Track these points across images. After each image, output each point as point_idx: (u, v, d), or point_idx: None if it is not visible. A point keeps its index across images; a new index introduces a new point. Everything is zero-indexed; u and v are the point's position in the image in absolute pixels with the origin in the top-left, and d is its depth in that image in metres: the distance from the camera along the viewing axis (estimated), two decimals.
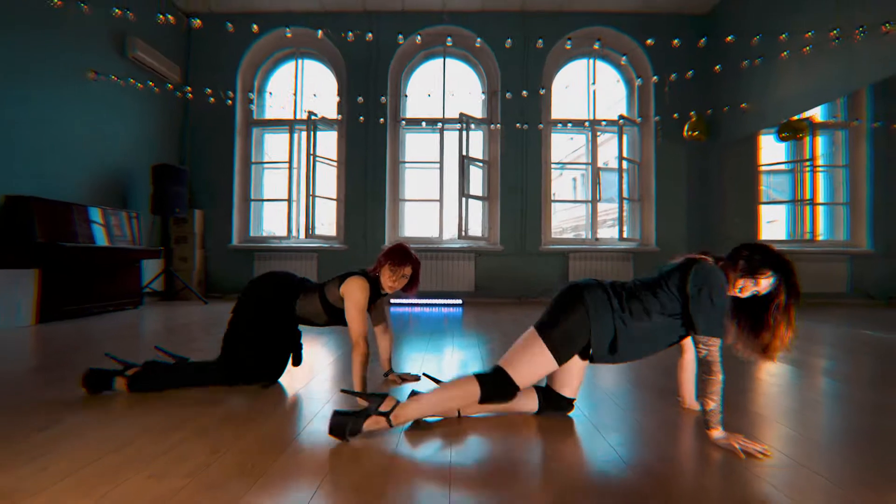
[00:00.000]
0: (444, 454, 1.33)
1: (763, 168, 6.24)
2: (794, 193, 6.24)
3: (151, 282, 5.19)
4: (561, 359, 1.47)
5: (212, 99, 5.67)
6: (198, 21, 4.58)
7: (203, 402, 1.76)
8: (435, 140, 6.26)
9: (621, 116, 6.13)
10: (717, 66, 5.32)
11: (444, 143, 6.14)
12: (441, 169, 6.12)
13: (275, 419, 1.60)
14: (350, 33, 4.66)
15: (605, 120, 6.30)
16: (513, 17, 6.05)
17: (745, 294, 1.46)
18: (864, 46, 3.93)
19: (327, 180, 6.18)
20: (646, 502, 1.08)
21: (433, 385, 1.87)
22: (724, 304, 1.41)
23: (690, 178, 6.12)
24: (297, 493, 1.09)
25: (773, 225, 6.70)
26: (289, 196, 6.14)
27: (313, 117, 5.91)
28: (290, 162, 6.16)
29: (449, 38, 5.41)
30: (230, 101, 5.90)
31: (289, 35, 5.34)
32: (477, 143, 6.29)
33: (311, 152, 5.87)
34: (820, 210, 6.34)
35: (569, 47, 5.48)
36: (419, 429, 1.52)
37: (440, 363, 2.51)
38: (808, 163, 6.11)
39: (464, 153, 5.84)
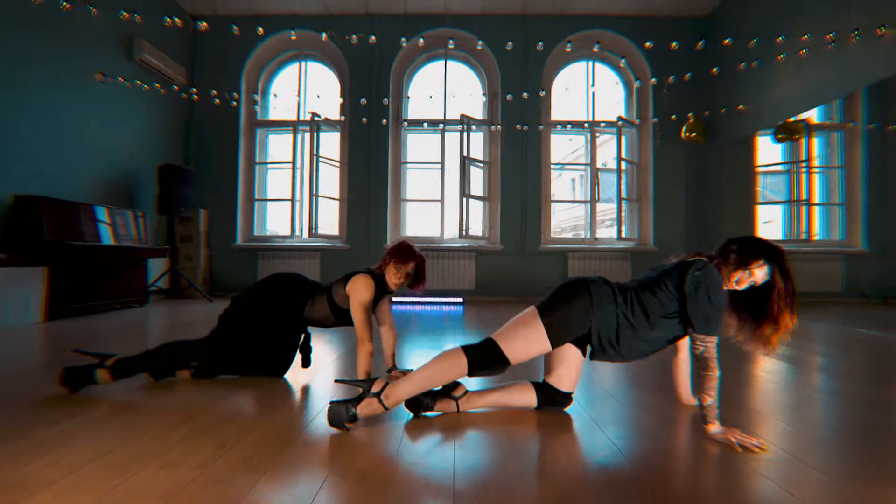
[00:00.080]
0: (445, 447, 1.34)
1: (760, 169, 6.24)
2: (790, 194, 6.24)
3: (157, 280, 5.20)
4: (555, 342, 1.46)
5: (217, 100, 5.68)
6: (204, 24, 4.60)
7: (209, 397, 1.77)
8: (436, 141, 6.27)
9: (620, 118, 6.13)
10: (715, 69, 5.33)
11: (445, 144, 6.16)
12: (442, 169, 6.14)
13: (281, 414, 1.61)
14: (354, 36, 4.67)
15: (604, 121, 6.31)
16: (513, 19, 6.05)
17: (743, 286, 1.47)
18: (860, 49, 3.93)
19: (330, 180, 6.19)
20: (645, 495, 1.09)
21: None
22: (721, 303, 1.42)
23: (688, 178, 6.13)
24: (304, 484, 1.10)
25: (769, 225, 6.71)
26: (292, 196, 6.15)
27: (316, 118, 5.92)
28: (294, 162, 6.17)
29: (451, 41, 5.42)
30: (235, 103, 5.92)
31: (294, 38, 5.35)
32: (478, 144, 6.30)
33: (315, 153, 5.89)
34: (816, 210, 6.35)
35: (569, 50, 5.48)
36: (420, 423, 1.53)
37: None
38: (804, 164, 6.12)
39: (465, 154, 5.85)
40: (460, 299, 5.80)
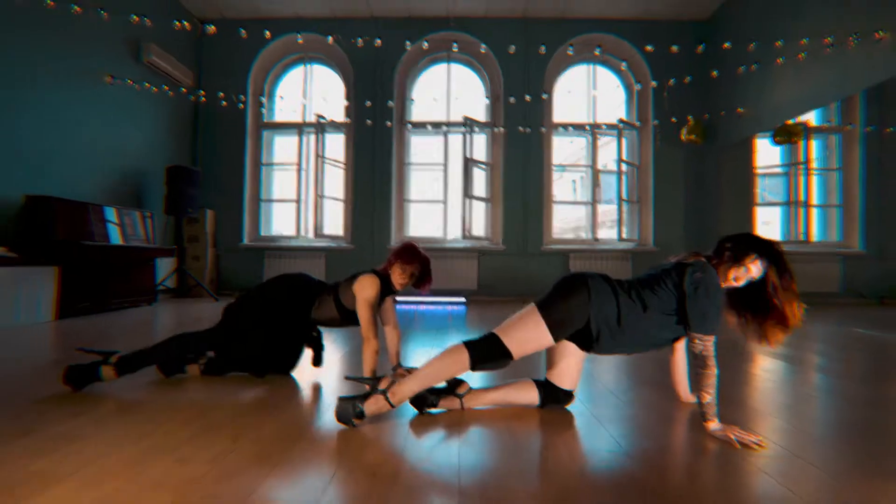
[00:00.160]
0: (450, 443, 1.36)
1: (759, 171, 6.25)
2: (788, 196, 6.25)
3: (165, 279, 5.23)
4: (557, 336, 1.47)
5: (224, 102, 5.71)
6: (212, 27, 4.62)
7: (218, 394, 1.79)
8: (440, 143, 6.29)
9: (621, 120, 6.14)
10: (715, 72, 5.33)
11: (448, 145, 6.17)
12: (445, 171, 6.16)
13: (289, 411, 1.63)
14: (360, 39, 4.68)
15: (605, 124, 6.32)
16: (515, 23, 6.07)
17: (741, 283, 1.48)
18: (858, 52, 3.94)
19: (335, 182, 6.21)
20: (645, 491, 1.10)
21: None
22: (718, 302, 1.43)
23: (688, 180, 6.13)
24: (314, 479, 1.11)
25: (767, 226, 6.71)
26: (297, 197, 6.18)
27: (321, 120, 5.94)
28: (299, 164, 6.20)
29: (455, 44, 5.43)
30: (241, 105, 5.94)
31: (300, 41, 5.37)
32: (480, 146, 6.31)
33: (320, 154, 5.91)
34: (814, 212, 6.35)
35: (570, 54, 5.49)
36: (425, 419, 1.54)
37: None
38: (802, 166, 6.12)
39: (468, 155, 5.87)
40: (463, 299, 5.82)
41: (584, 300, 1.48)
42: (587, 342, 1.55)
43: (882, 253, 5.94)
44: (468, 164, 5.86)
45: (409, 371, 2.14)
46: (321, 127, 5.95)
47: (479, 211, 6.25)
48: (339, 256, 6.02)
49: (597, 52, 5.77)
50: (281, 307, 2.00)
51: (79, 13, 3.88)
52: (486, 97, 6.35)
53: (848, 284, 5.95)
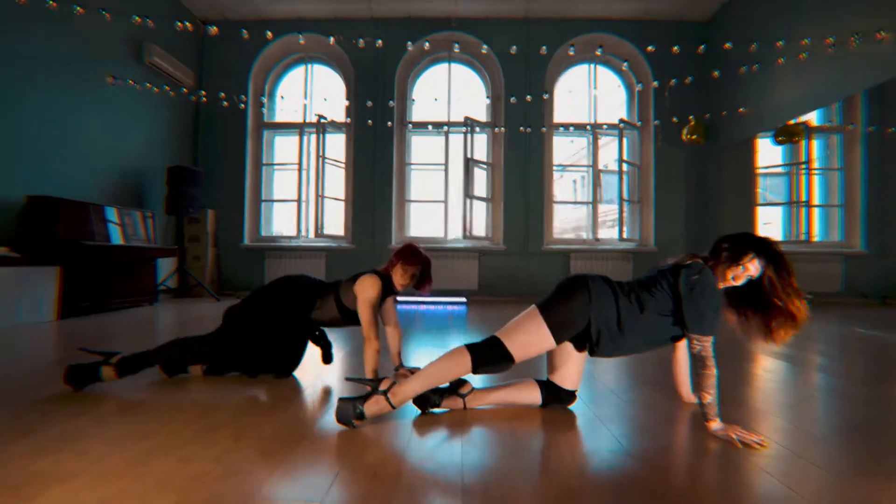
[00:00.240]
0: (453, 443, 1.36)
1: (760, 171, 6.25)
2: (790, 195, 6.25)
3: (166, 279, 5.24)
4: (559, 338, 1.48)
5: (225, 103, 5.71)
6: (214, 28, 4.62)
7: (220, 394, 1.80)
8: (440, 143, 6.30)
9: (622, 120, 6.14)
10: (716, 72, 5.33)
11: (449, 145, 6.18)
12: (446, 171, 6.16)
13: (291, 410, 1.63)
14: (361, 40, 4.68)
15: (606, 124, 6.32)
16: (516, 23, 6.07)
17: (740, 281, 1.48)
18: (860, 53, 3.94)
19: (335, 182, 6.22)
20: (647, 491, 1.10)
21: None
22: (715, 303, 1.43)
23: (689, 180, 6.13)
24: (317, 479, 1.12)
25: (769, 227, 6.71)
26: (298, 197, 6.18)
27: (322, 120, 5.95)
28: (300, 164, 6.20)
29: (456, 45, 5.44)
30: (243, 105, 5.95)
31: (302, 42, 5.38)
32: (481, 146, 6.32)
33: (320, 154, 5.92)
34: (816, 212, 6.35)
35: (571, 53, 5.49)
36: (428, 419, 1.55)
37: None
38: (804, 166, 6.12)
39: (468, 155, 5.87)
40: (463, 299, 5.82)
41: (584, 302, 1.48)
42: (587, 345, 1.56)
43: (884, 252, 5.93)
44: (469, 163, 5.87)
45: (411, 371, 2.15)
46: (322, 127, 5.96)
47: (480, 211, 6.26)
48: (339, 256, 6.03)
49: (598, 53, 5.76)
50: (280, 309, 2.01)
51: (81, 14, 3.89)
52: (487, 97, 6.36)
53: (850, 284, 5.94)
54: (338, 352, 2.65)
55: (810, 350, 2.86)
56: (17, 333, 3.06)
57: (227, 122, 6.07)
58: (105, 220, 4.24)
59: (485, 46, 5.70)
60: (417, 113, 6.44)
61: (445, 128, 6.24)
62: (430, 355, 2.60)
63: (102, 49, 4.56)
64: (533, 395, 1.65)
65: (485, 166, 6.22)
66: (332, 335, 3.11)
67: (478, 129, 6.18)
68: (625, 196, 6.14)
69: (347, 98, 6.19)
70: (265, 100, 6.33)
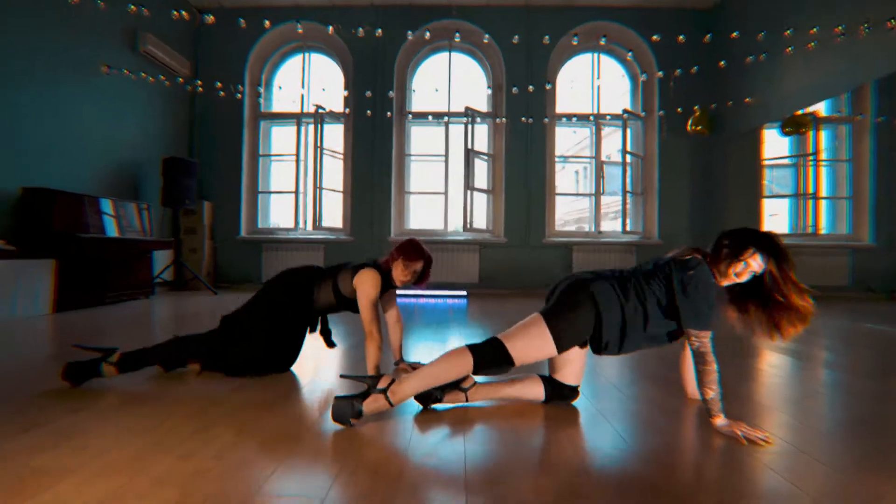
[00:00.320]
0: (455, 440, 1.37)
1: (766, 162, 6.23)
2: (797, 187, 6.23)
3: (162, 272, 5.24)
4: (562, 347, 1.49)
5: (222, 93, 5.68)
6: (211, 17, 4.58)
7: (219, 390, 1.81)
8: (440, 133, 6.27)
9: (625, 110, 6.12)
10: (722, 62, 5.29)
11: (449, 136, 6.15)
12: (446, 162, 6.14)
13: (291, 406, 1.65)
14: (360, 29, 4.64)
15: (609, 114, 6.30)
16: (518, 11, 6.02)
17: (744, 278, 1.48)
18: (870, 42, 3.91)
19: (334, 173, 6.20)
20: (651, 487, 1.11)
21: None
22: (711, 299, 1.44)
23: (693, 171, 6.12)
24: (319, 475, 1.13)
25: (774, 219, 6.70)
26: (296, 188, 6.17)
27: (320, 110, 5.92)
28: (297, 155, 6.19)
29: (457, 34, 5.39)
30: (239, 95, 5.92)
31: (300, 31, 5.34)
32: (482, 137, 6.30)
33: (318, 145, 5.90)
34: (823, 204, 6.34)
35: (575, 43, 5.45)
36: (429, 417, 1.56)
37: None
38: (811, 157, 6.10)
39: (469, 146, 5.85)
40: (464, 292, 5.83)
41: (590, 314, 1.49)
42: (593, 347, 1.57)
43: (892, 246, 5.93)
44: (469, 155, 5.85)
45: (412, 366, 2.16)
46: (320, 117, 5.94)
47: (481, 203, 6.25)
48: (338, 248, 6.03)
49: (602, 42, 5.72)
50: (281, 308, 2.01)
51: (75, 2, 3.86)
52: (488, 87, 6.32)
53: (857, 278, 5.95)
54: (337, 348, 2.66)
55: (816, 345, 2.88)
56: (14, 327, 3.07)
57: (224, 112, 6.05)
58: (100, 212, 4.24)
59: (486, 35, 5.66)
60: (417, 103, 6.41)
61: (446, 118, 6.21)
62: (431, 349, 2.62)
63: (97, 38, 4.52)
64: (536, 391, 1.66)
65: (486, 157, 6.20)
66: (333, 329, 3.12)
67: (479, 119, 6.15)
68: (628, 188, 6.13)
69: (346, 88, 6.16)
70: (262, 90, 6.30)
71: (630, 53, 6.05)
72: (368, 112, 6.01)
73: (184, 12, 4.32)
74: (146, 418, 1.47)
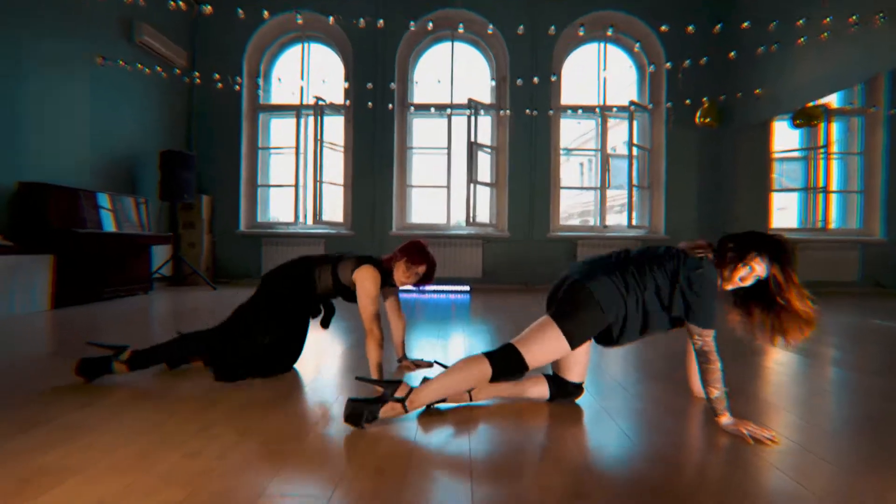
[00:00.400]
0: (460, 440, 1.40)
1: (776, 155, 6.22)
2: (806, 181, 6.22)
3: (160, 267, 5.27)
4: (575, 345, 1.52)
5: (220, 84, 5.67)
6: (208, 7, 4.57)
7: (224, 388, 1.84)
8: (443, 125, 6.27)
9: (632, 102, 6.10)
10: (732, 53, 5.26)
11: (452, 128, 6.15)
12: (449, 155, 6.14)
13: (295, 405, 1.68)
14: (361, 19, 4.62)
15: (615, 106, 6.28)
16: (523, 0, 5.98)
17: (748, 282, 1.50)
18: (885, 32, 3.89)
19: (334, 166, 6.21)
20: (656, 486, 1.14)
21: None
22: (713, 297, 1.47)
23: (701, 165, 6.11)
24: (325, 475, 1.16)
25: (783, 212, 6.70)
26: (296, 182, 6.18)
27: (320, 102, 5.92)
28: (297, 147, 6.19)
29: (461, 25, 5.36)
30: (238, 87, 5.91)
31: (300, 21, 5.33)
32: (485, 129, 6.29)
33: (319, 138, 5.90)
34: (833, 198, 6.33)
35: (581, 34, 5.42)
36: (433, 416, 1.58)
37: (451, 349, 2.58)
38: (821, 150, 6.09)
39: (472, 139, 5.85)
40: (467, 287, 5.85)
41: (597, 313, 1.50)
42: (598, 340, 1.60)
43: None
44: (472, 147, 5.85)
45: (415, 363, 2.18)
46: (320, 109, 5.94)
47: (484, 197, 6.26)
48: (338, 243, 6.05)
49: (609, 33, 5.70)
50: (283, 301, 2.03)
51: None
52: (492, 79, 6.31)
53: (866, 273, 5.95)
54: (339, 347, 2.69)
55: (823, 342, 2.89)
56: (13, 324, 3.10)
57: (222, 104, 6.05)
58: (97, 206, 4.26)
59: (490, 25, 5.63)
60: (419, 95, 6.40)
61: (448, 110, 6.20)
62: (433, 346, 2.64)
63: (92, 28, 4.52)
64: (540, 390, 1.69)
65: (489, 150, 6.20)
66: (333, 328, 3.15)
67: (482, 111, 6.15)
68: (634, 181, 6.13)
69: (346, 79, 6.15)
70: (261, 81, 6.30)
71: (638, 44, 6.02)
72: (369, 104, 6.00)
73: (181, 2, 4.32)
74: (149, 417, 1.50)
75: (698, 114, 5.75)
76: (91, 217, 4.14)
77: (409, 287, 2.09)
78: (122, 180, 4.98)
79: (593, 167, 6.83)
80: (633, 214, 6.14)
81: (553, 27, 5.21)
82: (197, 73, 5.74)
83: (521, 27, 5.43)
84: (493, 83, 6.29)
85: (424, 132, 6.55)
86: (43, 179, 3.85)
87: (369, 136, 6.10)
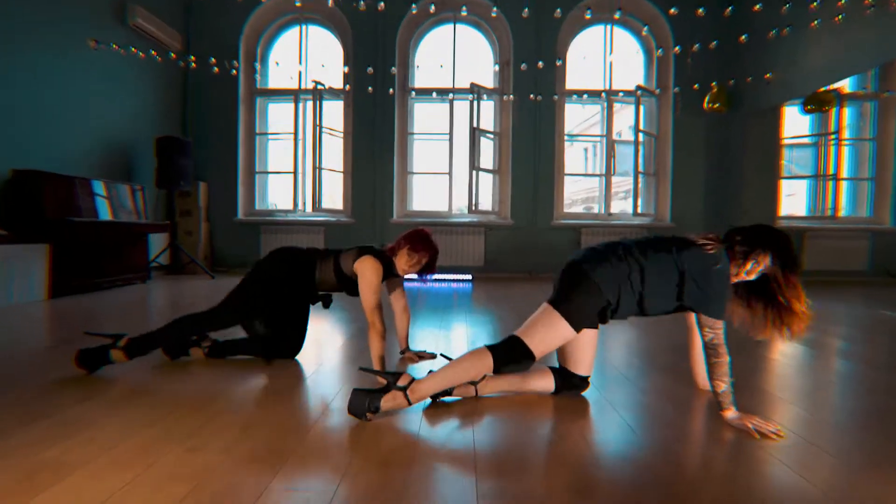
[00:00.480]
0: (465, 432, 1.41)
1: (786, 141, 6.17)
2: (816, 168, 6.19)
3: (158, 256, 5.29)
4: (578, 327, 1.54)
5: (216, 69, 5.62)
6: None
7: (225, 380, 1.86)
8: (445, 111, 6.22)
9: (639, 87, 6.04)
10: (743, 36, 5.19)
11: (454, 113, 6.11)
12: (451, 141, 6.11)
13: (297, 398, 1.69)
14: (361, 1, 4.56)
15: (621, 91, 6.23)
16: None
17: (753, 276, 1.53)
18: None
19: (334, 152, 6.19)
20: (660, 481, 1.15)
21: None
22: (726, 289, 1.48)
23: (709, 151, 6.07)
24: (330, 468, 1.17)
25: (791, 199, 6.67)
26: (294, 168, 6.17)
27: (319, 87, 5.88)
28: (296, 133, 6.16)
29: (464, 8, 5.28)
30: (234, 71, 5.86)
31: (298, 4, 5.26)
32: (488, 114, 6.25)
33: (317, 123, 5.87)
34: (843, 185, 6.30)
35: (588, 17, 5.34)
36: (438, 408, 1.60)
37: (453, 340, 2.59)
38: (832, 136, 6.04)
39: (474, 125, 5.82)
40: (469, 276, 5.87)
41: (594, 293, 1.52)
42: (605, 316, 1.60)
43: None
44: (475, 133, 5.82)
45: (419, 355, 2.20)
46: (319, 94, 5.89)
47: (487, 183, 6.24)
48: (338, 231, 6.05)
49: (616, 16, 5.62)
50: (282, 285, 2.04)
51: None
52: (495, 63, 6.24)
53: (876, 263, 5.95)
54: (340, 337, 2.71)
55: (831, 333, 2.90)
56: (11, 314, 3.12)
57: (218, 88, 6.00)
58: (92, 194, 4.25)
59: (494, 8, 5.56)
60: (421, 79, 6.34)
61: (450, 95, 6.15)
62: (435, 337, 2.66)
63: (84, 11, 4.48)
64: (546, 382, 1.70)
65: (492, 136, 6.16)
66: (334, 318, 3.17)
67: (485, 96, 6.10)
68: (640, 168, 6.09)
69: (346, 63, 6.09)
70: (258, 65, 6.24)
71: (646, 27, 5.94)
72: (369, 88, 5.95)
73: None
74: (151, 410, 1.52)
75: (707, 99, 5.70)
76: (86, 205, 4.14)
77: (413, 276, 2.10)
78: (117, 167, 4.97)
79: (597, 153, 6.80)
80: (639, 202, 6.12)
81: (559, 10, 5.14)
82: (192, 57, 5.69)
83: (526, 10, 5.35)
84: (497, 67, 6.23)
85: (426, 117, 6.52)
86: (37, 167, 3.84)
87: (369, 121, 6.07)
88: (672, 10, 5.18)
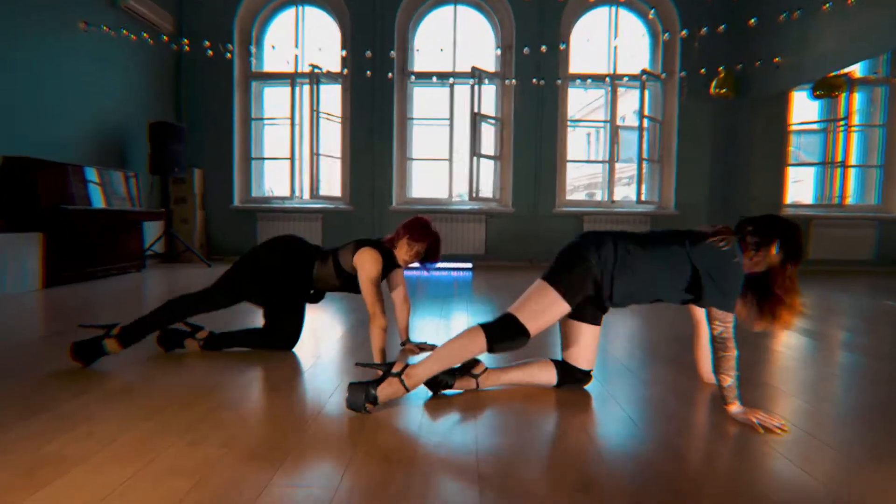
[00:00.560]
0: (466, 426, 1.43)
1: (794, 128, 6.14)
2: (824, 155, 6.17)
3: (153, 244, 5.28)
4: (571, 300, 1.55)
5: (210, 52, 5.56)
6: None
7: (222, 373, 1.87)
8: (445, 95, 6.17)
9: (644, 71, 5.99)
10: (752, 20, 5.13)
11: (454, 98, 6.06)
12: (451, 126, 6.07)
13: (296, 391, 1.71)
14: None
15: (626, 75, 6.17)
16: None
17: (760, 268, 1.53)
18: None
19: (331, 138, 6.15)
20: (663, 475, 1.16)
21: None
22: (738, 282, 1.49)
23: (715, 138, 6.04)
24: (331, 463, 1.18)
25: (798, 185, 6.65)
26: (291, 154, 6.13)
27: (316, 70, 5.82)
28: (292, 118, 6.12)
29: None
30: (229, 54, 5.79)
31: None
32: (489, 99, 6.20)
33: (315, 108, 5.82)
34: (851, 172, 6.28)
35: (592, 0, 5.27)
36: (439, 402, 1.61)
37: (453, 329, 2.60)
38: (842, 122, 6.01)
39: (475, 110, 5.78)
40: (469, 264, 5.87)
41: (583, 261, 1.55)
42: (602, 301, 1.62)
43: None
44: (476, 118, 5.78)
45: (419, 346, 2.21)
46: (316, 78, 5.84)
47: (488, 170, 6.22)
48: (337, 218, 6.05)
49: None
50: (278, 274, 2.04)
51: None
52: (497, 47, 6.18)
53: (883, 252, 5.96)
54: (339, 329, 2.72)
55: (835, 325, 2.92)
56: (4, 304, 3.13)
57: (212, 72, 5.95)
58: (85, 181, 4.23)
59: None
60: (420, 63, 6.28)
61: (451, 79, 6.10)
62: (436, 326, 2.67)
63: None
64: (548, 375, 1.71)
65: (493, 121, 6.13)
66: (333, 309, 3.18)
67: (486, 80, 6.05)
68: (644, 154, 6.07)
69: (343, 46, 6.03)
70: (253, 48, 6.17)
71: (652, 10, 5.86)
72: (368, 72, 5.90)
73: None
74: (149, 403, 1.53)
75: (714, 84, 5.65)
76: (79, 192, 4.13)
77: (416, 265, 2.10)
78: (109, 153, 4.94)
79: (600, 138, 6.76)
80: (643, 188, 6.10)
81: None
82: (185, 40, 5.62)
83: None
84: (499, 51, 6.17)
85: (425, 102, 6.47)
86: (27, 153, 3.81)
87: (368, 106, 6.03)
88: None
